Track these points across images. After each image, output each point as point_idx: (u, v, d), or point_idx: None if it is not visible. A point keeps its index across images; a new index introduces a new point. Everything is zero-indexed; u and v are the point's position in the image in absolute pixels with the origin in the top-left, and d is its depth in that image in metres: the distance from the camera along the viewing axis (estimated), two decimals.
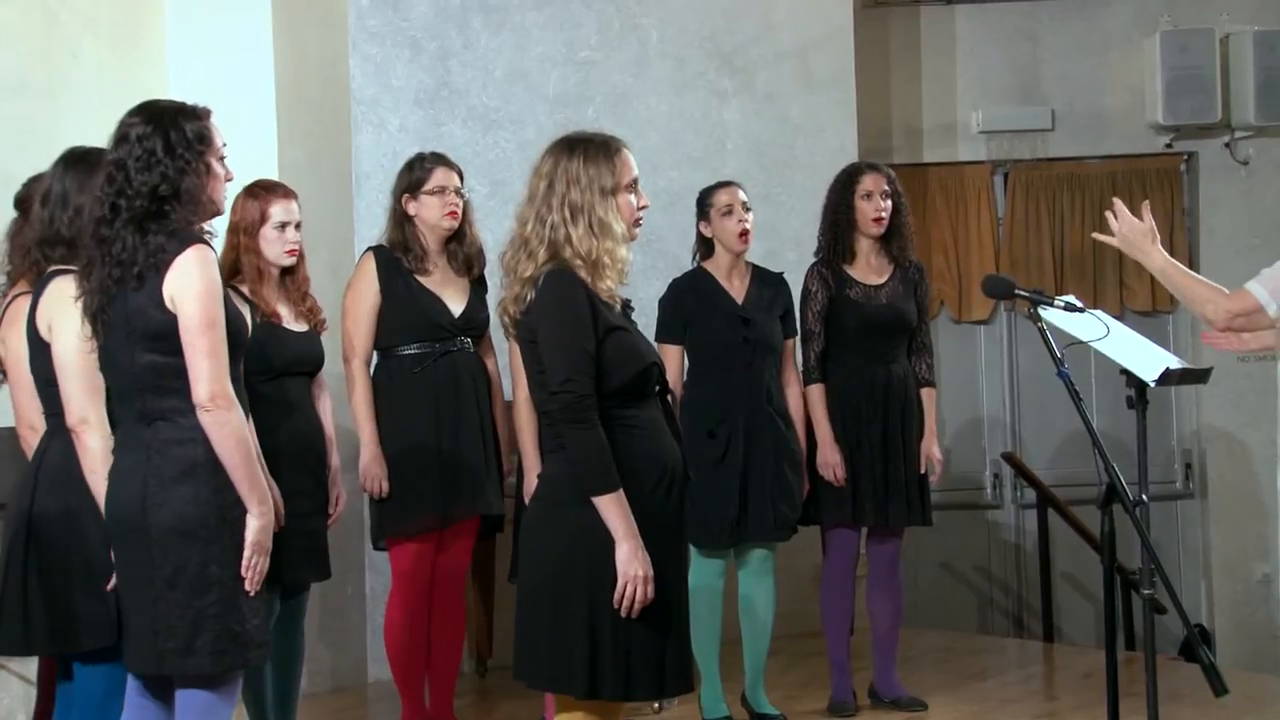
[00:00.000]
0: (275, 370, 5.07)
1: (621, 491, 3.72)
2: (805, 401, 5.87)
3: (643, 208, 3.95)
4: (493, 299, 5.83)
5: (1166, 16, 8.69)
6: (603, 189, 3.83)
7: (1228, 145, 8.78)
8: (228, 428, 3.70)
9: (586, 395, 3.71)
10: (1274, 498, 8.36)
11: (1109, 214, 4.70)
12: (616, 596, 3.72)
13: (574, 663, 3.75)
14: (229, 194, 4.02)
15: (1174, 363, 5.25)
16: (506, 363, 5.74)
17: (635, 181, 3.91)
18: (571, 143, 3.89)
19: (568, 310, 3.76)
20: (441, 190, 5.55)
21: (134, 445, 3.78)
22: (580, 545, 3.74)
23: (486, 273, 5.81)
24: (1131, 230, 4.62)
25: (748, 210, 5.81)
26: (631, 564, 3.71)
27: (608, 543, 3.71)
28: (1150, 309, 8.84)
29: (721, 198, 5.81)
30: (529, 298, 3.79)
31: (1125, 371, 5.40)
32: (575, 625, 3.74)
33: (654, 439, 3.83)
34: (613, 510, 3.71)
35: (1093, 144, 8.83)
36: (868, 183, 5.94)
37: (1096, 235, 4.78)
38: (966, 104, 8.77)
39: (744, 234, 5.78)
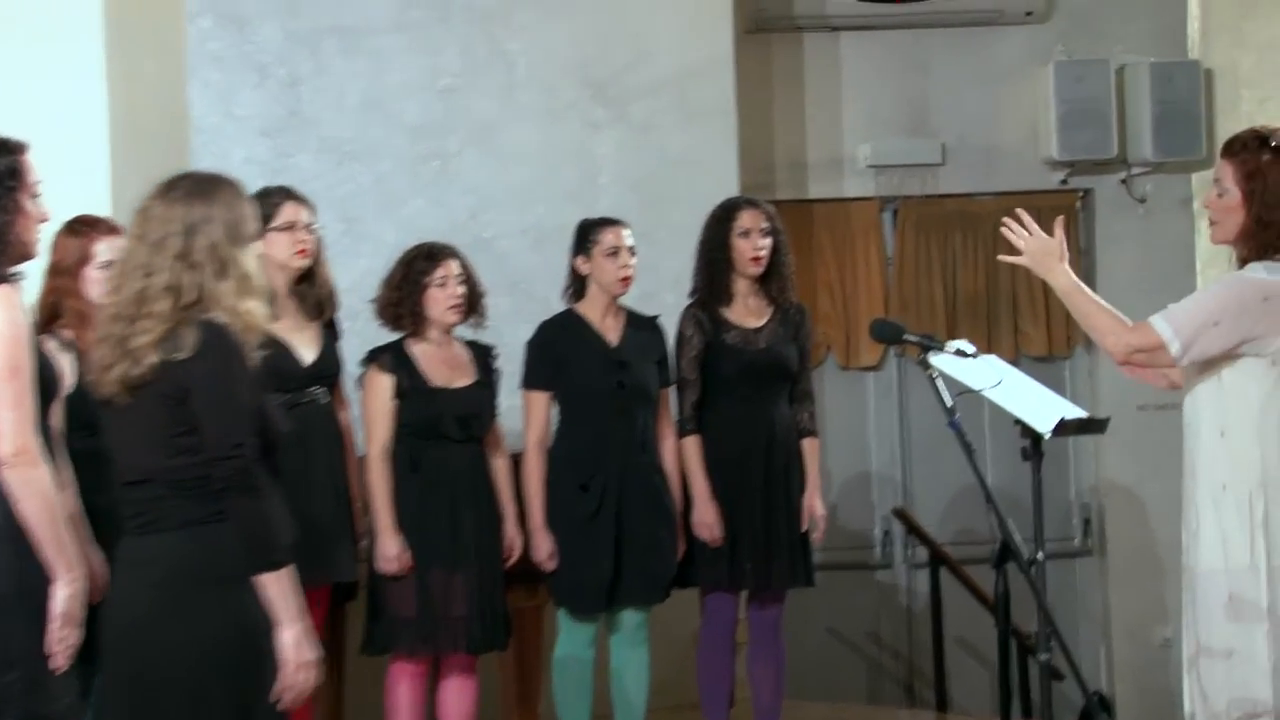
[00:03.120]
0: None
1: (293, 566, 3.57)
2: (680, 454, 5.83)
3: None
4: (349, 344, 5.79)
5: (1060, 46, 8.80)
6: (246, 236, 3.69)
7: (1124, 182, 8.90)
8: (31, 485, 3.60)
9: (256, 460, 3.56)
10: (1175, 556, 8.46)
11: (1009, 228, 4.64)
12: (283, 685, 3.55)
13: None
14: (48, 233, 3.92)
15: (1070, 412, 5.30)
16: (359, 414, 5.67)
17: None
18: (201, 183, 3.70)
19: (237, 366, 3.58)
20: (290, 226, 5.50)
21: None
22: (234, 632, 3.53)
23: (340, 316, 5.75)
24: (1040, 247, 4.60)
25: (633, 254, 5.80)
26: (303, 649, 3.56)
27: (263, 627, 3.53)
28: (1046, 354, 8.91)
29: (607, 237, 5.78)
30: (181, 348, 3.52)
31: (1019, 422, 5.42)
32: None
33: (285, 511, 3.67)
34: (285, 587, 3.54)
35: (985, 179, 8.90)
36: (745, 219, 5.93)
37: (1003, 258, 4.74)
38: (853, 136, 8.81)
39: (626, 279, 5.77)
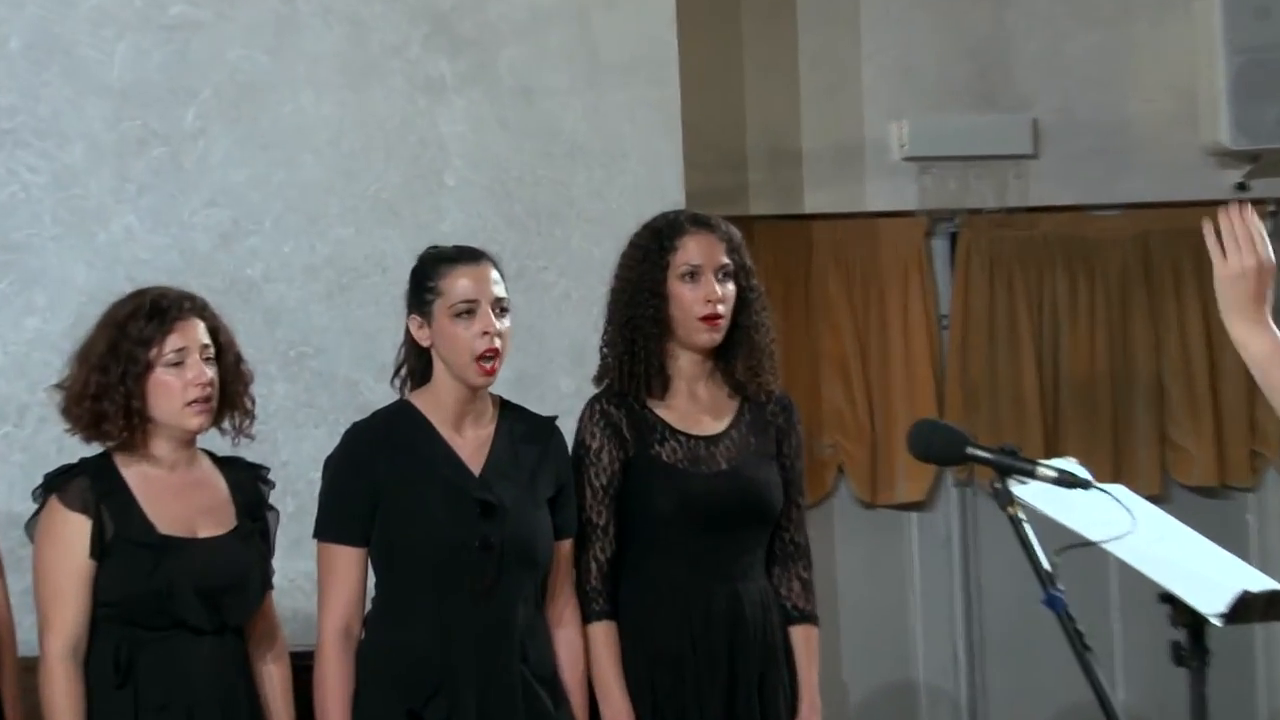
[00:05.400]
0: None
1: None
2: (586, 653, 5.87)
3: None
4: (12, 462, 5.79)
5: None
6: None
7: None
8: None
9: None
10: None
11: (1219, 218, 4.53)
12: None
13: None
14: None
15: (1257, 583, 5.33)
16: (28, 586, 5.65)
17: None
18: None
19: None
20: None
21: None
22: None
23: None
24: (1257, 270, 4.52)
25: (504, 311, 5.80)
26: None
27: None
28: (1216, 483, 8.98)
29: (457, 282, 5.79)
30: None
31: (1168, 598, 5.45)
32: None
33: None
34: None
35: (1106, 184, 8.98)
36: (692, 250, 5.98)
37: (1207, 229, 4.56)
38: (879, 109, 8.89)
39: (491, 354, 5.76)
